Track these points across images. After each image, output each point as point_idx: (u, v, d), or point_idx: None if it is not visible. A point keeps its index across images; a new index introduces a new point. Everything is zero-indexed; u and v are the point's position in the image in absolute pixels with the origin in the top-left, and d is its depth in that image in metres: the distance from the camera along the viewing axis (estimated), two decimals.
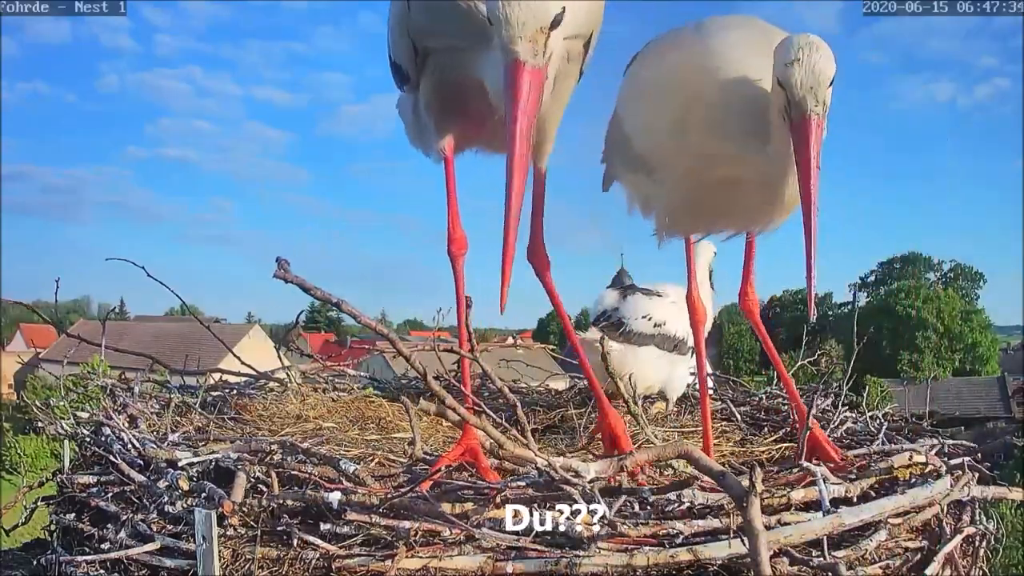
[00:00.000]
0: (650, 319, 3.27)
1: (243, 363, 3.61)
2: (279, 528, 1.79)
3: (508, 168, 1.68)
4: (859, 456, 2.36)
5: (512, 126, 1.68)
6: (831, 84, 1.86)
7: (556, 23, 1.69)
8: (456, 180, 2.24)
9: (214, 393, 3.23)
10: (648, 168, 2.30)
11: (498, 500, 1.75)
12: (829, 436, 2.69)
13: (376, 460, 2.26)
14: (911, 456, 2.25)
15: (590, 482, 1.69)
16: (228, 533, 1.79)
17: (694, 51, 2.12)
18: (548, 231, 2.39)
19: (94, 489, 2.24)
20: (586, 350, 3.39)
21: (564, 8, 1.69)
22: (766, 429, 3.14)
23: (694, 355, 3.49)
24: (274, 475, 1.95)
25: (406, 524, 1.72)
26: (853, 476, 2.13)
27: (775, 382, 3.82)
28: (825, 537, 1.82)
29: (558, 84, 2.01)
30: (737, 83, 2.01)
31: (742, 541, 1.68)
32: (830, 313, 51.30)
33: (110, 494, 2.15)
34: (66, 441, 2.57)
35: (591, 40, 2.10)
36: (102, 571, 1.94)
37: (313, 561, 1.72)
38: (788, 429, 3.08)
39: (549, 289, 2.40)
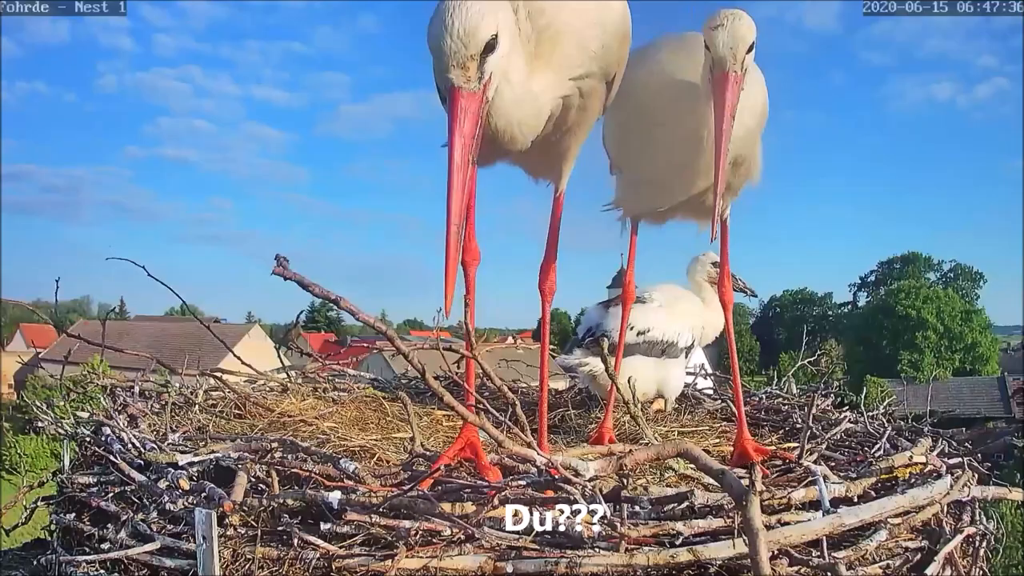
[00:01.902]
0: (632, 328, 3.25)
1: (243, 363, 3.61)
2: (279, 528, 1.79)
3: (448, 184, 1.78)
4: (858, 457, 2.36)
5: (449, 148, 1.78)
6: (750, 50, 2.18)
7: (489, 48, 1.76)
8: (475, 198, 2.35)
9: (214, 393, 3.23)
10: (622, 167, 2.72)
11: (495, 501, 1.75)
12: (828, 436, 2.70)
13: (376, 459, 2.26)
14: (911, 456, 2.25)
15: (589, 480, 1.70)
16: (228, 533, 1.78)
17: (637, 60, 2.45)
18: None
19: (94, 489, 2.24)
20: (576, 370, 3.40)
21: (496, 35, 1.76)
22: (766, 429, 3.14)
23: (691, 355, 3.50)
24: (274, 475, 1.95)
25: (406, 523, 1.72)
26: (854, 476, 2.14)
27: (775, 382, 3.82)
28: (825, 537, 1.82)
29: (574, 117, 2.17)
30: (665, 75, 2.45)
31: (743, 541, 1.68)
32: (830, 313, 51.39)
33: (110, 494, 2.15)
34: (66, 441, 2.56)
35: (614, 80, 2.25)
36: (102, 571, 1.94)
37: (313, 561, 1.72)
38: (788, 429, 3.09)
39: (544, 314, 2.45)
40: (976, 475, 2.34)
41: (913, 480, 2.19)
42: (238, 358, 3.69)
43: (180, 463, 2.06)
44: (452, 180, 1.77)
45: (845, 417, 2.94)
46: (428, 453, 2.15)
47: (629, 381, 2.86)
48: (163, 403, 2.90)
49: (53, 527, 2.40)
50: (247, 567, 1.75)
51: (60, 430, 2.60)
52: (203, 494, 1.87)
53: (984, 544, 2.31)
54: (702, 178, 2.39)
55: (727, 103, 2.16)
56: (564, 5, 1.99)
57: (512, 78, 1.87)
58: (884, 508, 1.97)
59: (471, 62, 1.76)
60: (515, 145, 1.99)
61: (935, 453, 2.40)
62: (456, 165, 1.77)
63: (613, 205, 2.80)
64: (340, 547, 1.73)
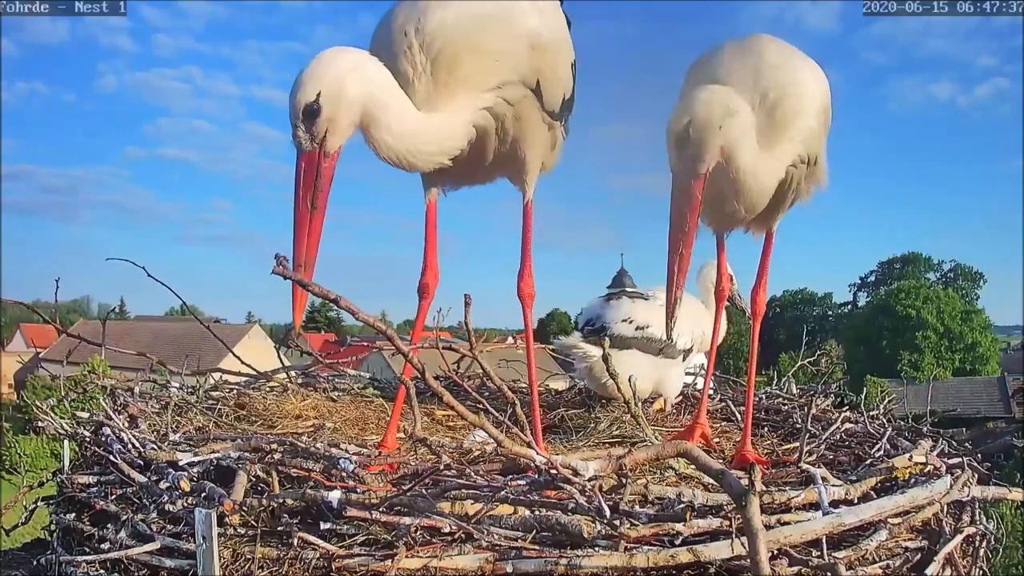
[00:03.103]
0: (631, 322, 3.24)
1: (243, 363, 3.61)
2: (279, 528, 1.79)
3: (293, 232, 2.01)
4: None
5: (294, 199, 2.02)
6: (685, 139, 2.11)
7: (310, 114, 1.95)
8: (436, 224, 2.45)
9: (214, 393, 3.23)
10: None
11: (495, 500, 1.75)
12: (828, 437, 2.70)
13: (376, 458, 2.25)
14: (911, 456, 2.25)
15: (589, 480, 1.69)
16: (228, 533, 1.78)
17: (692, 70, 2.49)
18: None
19: (94, 489, 2.24)
20: (573, 357, 3.39)
21: (314, 102, 1.93)
22: (766, 429, 3.14)
23: (689, 357, 3.49)
24: (274, 474, 1.95)
25: (406, 520, 1.72)
26: (853, 479, 2.13)
27: (775, 382, 3.82)
28: (824, 537, 1.82)
29: (513, 127, 2.28)
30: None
31: (742, 543, 1.68)
32: (830, 313, 51.38)
33: (110, 494, 2.15)
34: (66, 441, 2.56)
35: (540, 88, 2.27)
36: (102, 571, 1.94)
37: (313, 561, 1.72)
38: (788, 429, 3.09)
39: (527, 322, 2.48)
40: (976, 475, 2.34)
41: (913, 480, 2.19)
42: (238, 358, 3.69)
43: (180, 463, 2.06)
44: (294, 229, 2.00)
45: (845, 417, 2.94)
46: (427, 439, 2.14)
47: (630, 380, 2.85)
48: (163, 403, 2.90)
49: (53, 527, 2.40)
50: (247, 567, 1.74)
51: (60, 430, 2.60)
52: (203, 494, 1.87)
53: (984, 544, 2.31)
54: (742, 207, 2.35)
55: (673, 203, 2.15)
56: (449, 28, 2.11)
57: (393, 125, 2.04)
58: (884, 508, 1.97)
59: (297, 128, 1.98)
60: (421, 170, 2.17)
61: (935, 453, 2.40)
62: (296, 216, 2.00)
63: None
64: (340, 547, 1.73)
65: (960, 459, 2.36)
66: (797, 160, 2.38)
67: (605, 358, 2.78)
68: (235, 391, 3.33)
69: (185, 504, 1.88)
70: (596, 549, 1.71)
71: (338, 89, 1.95)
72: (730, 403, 3.44)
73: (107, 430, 2.40)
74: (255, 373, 3.54)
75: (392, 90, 2.04)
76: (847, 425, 2.87)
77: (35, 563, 2.42)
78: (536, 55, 2.23)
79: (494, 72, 2.17)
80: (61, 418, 2.68)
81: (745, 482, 1.46)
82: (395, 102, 2.04)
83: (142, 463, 2.17)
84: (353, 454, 2.04)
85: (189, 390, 3.16)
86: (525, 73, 2.23)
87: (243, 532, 1.80)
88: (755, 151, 2.22)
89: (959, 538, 2.11)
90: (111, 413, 2.52)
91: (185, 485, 1.91)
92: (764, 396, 3.56)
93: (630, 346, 3.24)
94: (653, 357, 3.30)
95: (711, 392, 3.76)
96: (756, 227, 2.66)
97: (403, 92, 2.07)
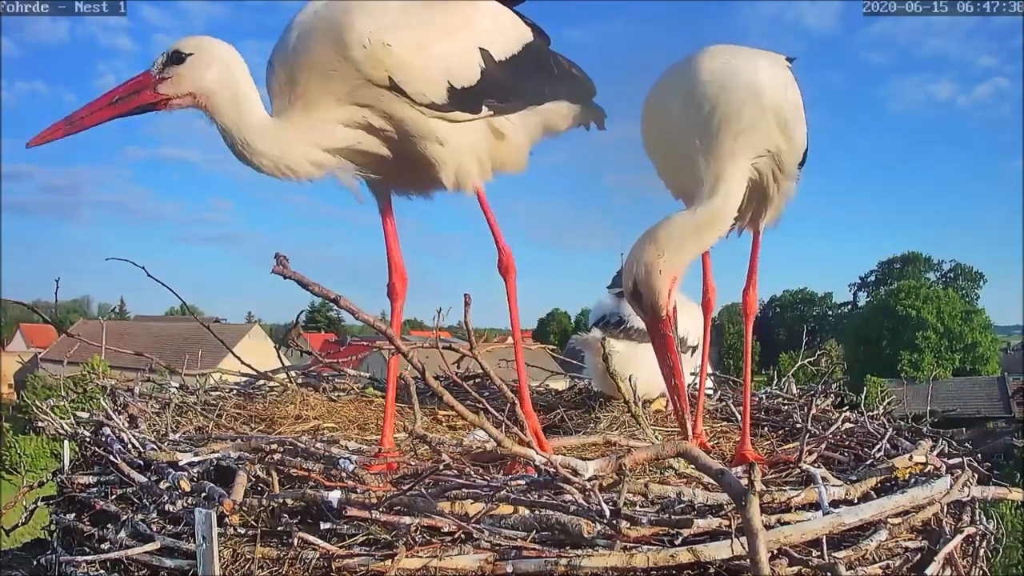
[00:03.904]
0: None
1: (243, 363, 3.61)
2: (279, 528, 1.79)
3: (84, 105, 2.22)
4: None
5: (105, 93, 2.22)
6: (640, 295, 2.22)
7: (174, 58, 2.17)
8: (395, 229, 2.54)
9: (214, 393, 3.23)
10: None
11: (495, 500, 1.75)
12: (828, 437, 2.70)
13: (376, 458, 2.25)
14: (911, 456, 2.25)
15: (589, 480, 1.70)
16: (228, 533, 1.78)
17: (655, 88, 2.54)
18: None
19: (94, 489, 2.24)
20: (588, 351, 3.37)
21: (184, 57, 2.16)
22: (766, 429, 3.13)
23: (695, 354, 3.49)
24: (274, 474, 1.95)
25: (406, 520, 1.72)
26: (854, 479, 2.13)
27: (775, 382, 3.82)
28: (824, 537, 1.82)
29: (388, 125, 2.29)
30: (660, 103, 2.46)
31: (742, 543, 1.68)
32: (830, 313, 51.39)
33: (110, 495, 2.15)
34: (66, 441, 2.56)
35: (397, 83, 2.25)
36: (102, 571, 1.94)
37: (313, 561, 1.72)
38: (788, 429, 3.09)
39: (511, 296, 2.51)
40: (976, 475, 2.34)
41: (913, 480, 2.19)
42: (238, 358, 3.69)
43: (180, 463, 2.06)
44: (84, 105, 2.22)
45: (845, 417, 2.94)
46: (428, 437, 2.14)
47: (630, 380, 2.85)
48: (163, 403, 2.90)
49: (53, 527, 2.41)
50: (247, 567, 1.75)
51: (60, 430, 2.60)
52: (203, 494, 1.87)
53: (984, 544, 2.31)
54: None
55: (654, 344, 2.31)
56: (290, 51, 2.24)
57: (236, 118, 2.18)
58: (884, 508, 1.97)
59: (160, 57, 2.20)
60: (265, 172, 2.24)
61: (935, 453, 2.40)
62: (94, 101, 2.23)
63: None
64: (340, 547, 1.73)
65: (960, 459, 2.36)
66: (766, 153, 2.38)
67: (605, 357, 2.78)
68: (235, 391, 3.33)
69: (185, 504, 1.88)
70: (596, 549, 1.71)
71: (204, 63, 2.18)
72: (730, 403, 3.44)
73: (107, 430, 2.40)
74: (255, 373, 3.54)
75: (244, 89, 2.21)
76: (847, 425, 2.87)
77: (35, 563, 2.42)
78: (376, 54, 2.20)
79: (333, 81, 2.22)
80: (61, 418, 2.68)
81: (745, 482, 1.46)
82: (244, 102, 2.20)
83: (142, 463, 2.17)
84: (353, 454, 2.04)
85: (189, 390, 3.16)
86: (370, 73, 2.21)
87: (243, 532, 1.80)
88: (701, 237, 2.26)
89: (959, 538, 2.11)
90: (111, 413, 2.52)
91: (185, 485, 1.91)
92: (764, 396, 3.56)
93: (648, 339, 3.22)
94: None
95: (709, 391, 3.76)
96: (746, 227, 2.67)
97: (257, 96, 2.23)
